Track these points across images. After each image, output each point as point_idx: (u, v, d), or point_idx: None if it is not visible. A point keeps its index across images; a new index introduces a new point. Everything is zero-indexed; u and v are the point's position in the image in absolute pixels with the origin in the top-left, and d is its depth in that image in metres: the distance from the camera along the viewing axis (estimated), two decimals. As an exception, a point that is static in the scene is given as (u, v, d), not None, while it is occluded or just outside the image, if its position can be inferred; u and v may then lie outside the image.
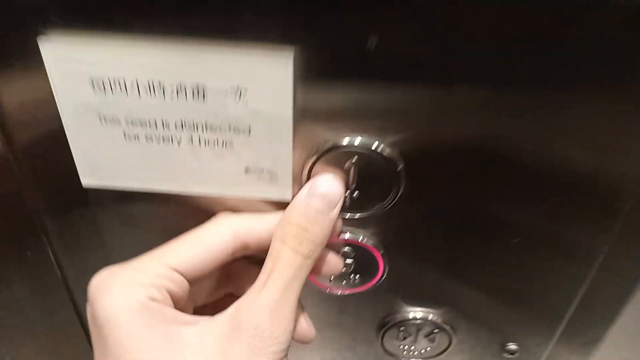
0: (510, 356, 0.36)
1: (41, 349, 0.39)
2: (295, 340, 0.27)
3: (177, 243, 0.25)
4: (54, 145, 0.27)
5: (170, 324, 0.23)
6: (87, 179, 0.28)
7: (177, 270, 0.24)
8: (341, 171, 0.26)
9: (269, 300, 0.23)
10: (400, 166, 0.26)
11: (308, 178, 0.26)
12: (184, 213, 0.29)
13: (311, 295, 0.34)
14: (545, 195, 0.27)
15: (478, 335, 0.36)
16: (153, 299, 0.23)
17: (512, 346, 0.36)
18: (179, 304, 0.24)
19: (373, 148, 0.25)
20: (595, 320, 0.34)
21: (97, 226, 0.31)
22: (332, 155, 0.25)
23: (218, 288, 0.29)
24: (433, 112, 0.24)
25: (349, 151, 0.25)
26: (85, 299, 0.24)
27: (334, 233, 0.28)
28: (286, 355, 0.24)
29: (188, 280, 0.25)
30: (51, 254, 0.32)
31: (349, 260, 0.31)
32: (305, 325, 0.28)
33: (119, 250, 0.32)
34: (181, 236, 0.26)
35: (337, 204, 0.26)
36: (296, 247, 0.24)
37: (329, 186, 0.25)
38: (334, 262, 0.29)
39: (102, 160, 0.27)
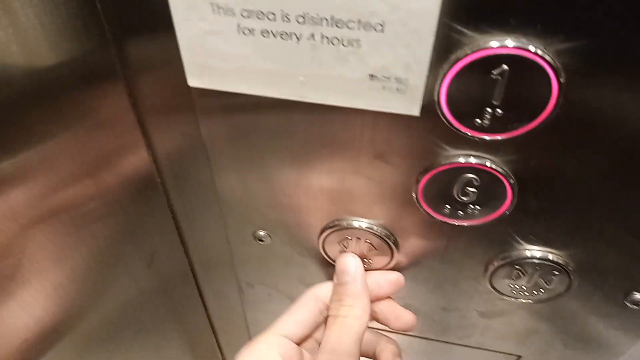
0: (634, 307, 0.32)
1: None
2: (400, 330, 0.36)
3: (282, 316, 0.34)
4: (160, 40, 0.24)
5: None
6: (195, 79, 0.25)
7: (284, 335, 0.33)
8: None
9: (324, 357, 0.31)
10: (562, 79, 0.21)
11: (442, 89, 0.23)
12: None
13: (418, 225, 0.31)
14: None
15: (601, 281, 0.32)
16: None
17: (639, 296, 0.32)
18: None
19: (531, 51, 0.20)
20: None
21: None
22: (477, 63, 0.21)
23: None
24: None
25: (498, 56, 0.21)
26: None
27: (386, 289, 0.35)
28: None
29: (296, 343, 0.33)
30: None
31: (470, 189, 0.28)
32: (397, 315, 0.36)
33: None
34: (287, 309, 0.35)
35: (357, 273, 0.34)
36: (335, 314, 0.33)
37: (344, 263, 0.34)
38: (402, 314, 0.36)
39: (211, 57, 0.24)
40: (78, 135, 0.28)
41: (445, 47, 0.22)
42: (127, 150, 0.31)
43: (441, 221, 0.30)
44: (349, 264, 0.34)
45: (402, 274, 0.35)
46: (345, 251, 0.35)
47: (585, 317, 0.35)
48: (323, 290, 0.35)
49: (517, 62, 0.21)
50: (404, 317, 0.36)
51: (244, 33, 0.23)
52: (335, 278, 0.34)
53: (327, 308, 0.34)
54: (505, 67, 0.21)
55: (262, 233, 0.35)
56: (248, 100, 0.26)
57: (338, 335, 0.32)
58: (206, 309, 0.47)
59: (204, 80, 0.25)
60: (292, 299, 0.42)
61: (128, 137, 0.30)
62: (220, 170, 0.31)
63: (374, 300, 0.35)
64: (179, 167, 0.33)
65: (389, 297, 0.36)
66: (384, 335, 0.38)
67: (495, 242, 0.31)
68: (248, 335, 0.49)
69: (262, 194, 0.32)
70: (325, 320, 0.34)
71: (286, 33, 0.22)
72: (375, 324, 0.37)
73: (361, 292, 0.33)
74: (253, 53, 0.23)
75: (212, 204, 0.34)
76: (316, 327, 0.35)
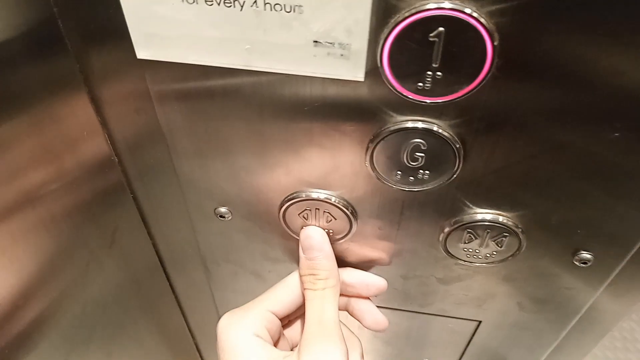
0: (582, 265, 0.34)
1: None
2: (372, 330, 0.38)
3: (271, 291, 0.36)
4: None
5: (269, 355, 0.32)
6: (143, 51, 0.26)
7: (272, 312, 0.34)
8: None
9: (312, 331, 0.32)
10: (497, 41, 0.22)
11: (384, 54, 0.23)
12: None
13: (373, 193, 0.32)
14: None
15: (550, 241, 0.33)
16: (257, 335, 0.33)
17: (586, 255, 0.33)
18: (274, 338, 0.35)
19: (466, 12, 0.21)
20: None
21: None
22: (416, 24, 0.22)
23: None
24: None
25: (435, 17, 0.22)
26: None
27: (370, 291, 0.37)
28: None
29: (280, 319, 0.35)
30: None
31: (419, 154, 0.29)
32: (375, 319, 0.38)
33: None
34: (275, 285, 0.36)
35: (324, 245, 0.35)
36: (312, 287, 0.34)
37: (310, 237, 0.35)
38: (378, 317, 0.38)
39: (157, 28, 0.24)
40: (31, 114, 0.28)
41: (384, 10, 0.22)
42: (82, 128, 0.31)
43: (394, 188, 0.31)
44: (315, 237, 0.35)
45: (360, 243, 0.36)
46: (306, 224, 0.35)
47: (538, 279, 0.36)
48: None
49: (452, 24, 0.22)
50: (380, 320, 0.38)
51: (188, 2, 0.23)
52: (301, 252, 0.35)
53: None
54: (441, 29, 0.22)
55: (223, 209, 0.36)
56: (199, 72, 0.27)
57: (321, 307, 0.33)
58: (173, 289, 0.47)
59: (151, 52, 0.25)
60: (257, 275, 0.42)
61: (82, 115, 0.30)
62: (176, 147, 0.32)
63: (354, 296, 0.38)
64: (135, 144, 0.33)
65: (368, 298, 0.38)
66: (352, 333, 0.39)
67: (447, 207, 0.32)
68: (217, 315, 0.50)
69: (220, 169, 0.32)
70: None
71: (230, 1, 0.23)
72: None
73: (332, 263, 0.35)
74: (198, 21, 0.23)
75: (171, 181, 0.34)
76: (297, 310, 0.36)
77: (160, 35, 0.24)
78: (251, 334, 0.32)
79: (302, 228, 0.35)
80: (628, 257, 0.33)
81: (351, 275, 0.37)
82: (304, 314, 0.37)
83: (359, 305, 0.38)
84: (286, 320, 0.37)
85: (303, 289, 0.35)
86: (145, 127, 0.31)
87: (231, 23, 0.23)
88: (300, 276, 0.35)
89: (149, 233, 0.41)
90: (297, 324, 0.39)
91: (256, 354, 0.32)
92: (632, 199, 0.29)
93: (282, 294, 0.35)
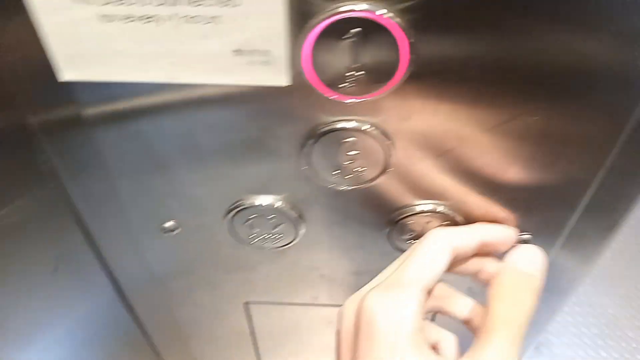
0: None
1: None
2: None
3: (419, 264, 0.28)
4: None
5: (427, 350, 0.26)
6: (66, 73, 0.26)
7: (428, 292, 0.28)
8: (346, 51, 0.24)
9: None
10: (412, 38, 0.23)
11: (303, 57, 0.24)
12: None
13: (316, 194, 0.33)
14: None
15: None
16: (421, 331, 0.26)
17: (525, 236, 0.35)
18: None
19: (378, 13, 0.22)
20: (610, 210, 0.33)
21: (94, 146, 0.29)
22: (332, 27, 0.23)
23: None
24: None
25: (351, 19, 0.22)
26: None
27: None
28: None
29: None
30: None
31: (353, 152, 0.29)
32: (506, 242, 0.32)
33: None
34: (414, 255, 0.29)
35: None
36: (514, 307, 0.28)
37: (538, 254, 0.31)
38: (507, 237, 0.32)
39: (77, 48, 0.24)
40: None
41: (299, 16, 0.23)
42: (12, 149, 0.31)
43: (335, 187, 0.32)
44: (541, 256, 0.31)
45: (308, 242, 0.37)
46: (251, 233, 0.35)
47: (483, 262, 0.38)
48: (460, 240, 0.30)
49: (367, 24, 0.23)
50: (509, 235, 0.32)
51: (106, 20, 0.23)
52: (515, 262, 0.31)
53: (456, 260, 0.30)
54: (356, 30, 0.23)
55: (170, 224, 0.36)
56: (127, 90, 0.27)
57: (514, 340, 0.27)
58: (132, 310, 0.46)
59: (75, 73, 0.25)
60: (213, 286, 0.42)
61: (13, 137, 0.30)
62: (114, 166, 0.32)
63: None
64: (74, 166, 0.33)
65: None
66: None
67: (387, 201, 0.33)
68: (180, 331, 0.49)
69: (160, 184, 0.33)
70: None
71: (147, 16, 0.23)
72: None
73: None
74: (118, 39, 0.24)
75: (114, 200, 0.34)
76: None
77: (83, 56, 0.24)
78: (415, 330, 0.26)
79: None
80: (564, 235, 0.35)
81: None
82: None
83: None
84: None
85: (498, 302, 0.28)
86: (82, 149, 0.31)
87: (151, 38, 0.24)
88: (504, 285, 0.29)
89: (100, 256, 0.40)
90: None
91: (419, 346, 0.26)
92: (555, 181, 0.30)
93: (434, 270, 0.28)
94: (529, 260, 0.31)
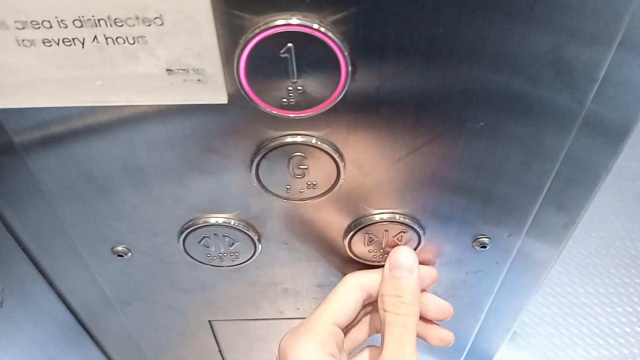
0: (482, 249, 0.35)
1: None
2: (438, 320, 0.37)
3: (329, 304, 0.33)
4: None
5: None
6: (-10, 101, 0.24)
7: (336, 324, 0.32)
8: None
9: (391, 356, 0.30)
10: (347, 50, 0.22)
11: (240, 74, 0.23)
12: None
13: (270, 210, 0.32)
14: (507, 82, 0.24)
15: (447, 232, 0.34)
16: (330, 354, 0.31)
17: (484, 239, 0.35)
18: (341, 350, 0.33)
19: (312, 27, 0.21)
20: (566, 206, 0.33)
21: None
22: (266, 42, 0.22)
23: (354, 332, 0.37)
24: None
25: (285, 33, 0.22)
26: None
27: (425, 284, 0.36)
28: None
29: (342, 330, 0.33)
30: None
31: (302, 167, 0.29)
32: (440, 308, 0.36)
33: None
34: (327, 298, 0.34)
35: (414, 267, 0.33)
36: (395, 311, 0.32)
37: (403, 257, 0.33)
38: (443, 305, 0.36)
39: (0, 76, 0.23)
40: None
41: (231, 31, 0.22)
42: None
43: (288, 201, 0.31)
44: (408, 257, 0.33)
45: (267, 258, 0.36)
46: (208, 252, 0.34)
47: (445, 267, 0.37)
48: (367, 279, 0.34)
49: (300, 39, 0.22)
50: (446, 308, 0.36)
51: (24, 45, 0.22)
52: (388, 270, 0.33)
53: (370, 296, 0.34)
54: (290, 45, 0.22)
55: (120, 248, 0.34)
56: (57, 115, 0.25)
57: (402, 335, 0.31)
58: (93, 338, 0.45)
59: (1, 99, 0.24)
60: (172, 308, 0.41)
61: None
62: (53, 193, 0.30)
63: None
64: (13, 198, 0.31)
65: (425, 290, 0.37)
66: None
67: (344, 211, 0.32)
68: (145, 355, 0.48)
69: (104, 209, 0.31)
70: (365, 311, 0.36)
71: (68, 39, 0.21)
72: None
73: (418, 290, 0.33)
74: (40, 64, 0.22)
75: (57, 228, 0.33)
76: (356, 317, 0.35)
77: (5, 83, 0.23)
78: (323, 352, 0.30)
79: (396, 247, 0.34)
80: (522, 236, 0.35)
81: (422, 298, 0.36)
82: (365, 329, 0.37)
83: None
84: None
85: (383, 310, 0.32)
86: (18, 178, 0.30)
87: (76, 61, 0.22)
88: (382, 295, 0.33)
89: (52, 284, 0.38)
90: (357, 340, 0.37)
91: None
92: (507, 183, 0.30)
93: (340, 305, 0.33)
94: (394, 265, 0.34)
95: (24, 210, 0.32)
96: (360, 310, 0.35)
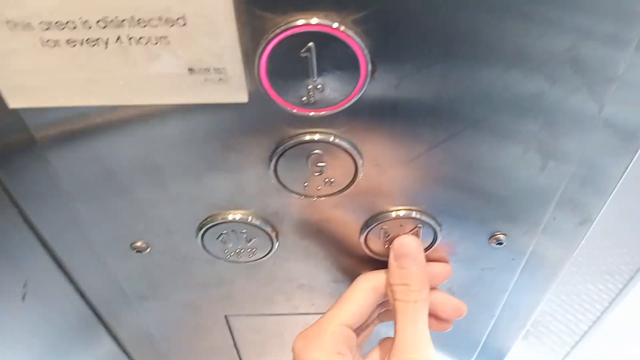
0: (498, 246, 0.35)
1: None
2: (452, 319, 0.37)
3: (341, 305, 0.34)
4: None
5: None
6: (15, 101, 0.24)
7: (347, 326, 0.32)
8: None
9: (404, 345, 0.31)
10: (367, 49, 0.22)
11: (261, 73, 0.23)
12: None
13: (287, 206, 0.32)
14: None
15: (464, 228, 0.34)
16: (340, 354, 0.31)
17: (500, 236, 0.35)
18: (353, 351, 0.33)
19: (332, 26, 0.22)
20: (583, 204, 0.32)
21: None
22: (286, 42, 0.22)
23: (367, 331, 0.38)
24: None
25: (306, 33, 0.22)
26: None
27: (438, 280, 0.36)
28: None
29: (355, 331, 0.33)
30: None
31: (321, 164, 0.29)
32: (452, 306, 0.37)
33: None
34: (340, 299, 0.34)
35: (419, 255, 0.33)
36: (405, 299, 0.32)
37: (406, 245, 0.33)
38: (456, 304, 0.37)
39: (22, 76, 0.23)
40: None
41: (252, 32, 0.22)
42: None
43: (306, 198, 0.31)
44: (411, 246, 0.33)
45: (283, 254, 0.36)
46: (226, 248, 0.35)
47: (460, 264, 0.37)
48: (381, 280, 0.35)
49: (321, 38, 0.22)
50: (459, 306, 0.36)
51: (48, 46, 0.22)
52: (393, 260, 0.34)
53: (383, 296, 0.34)
54: (311, 44, 0.22)
55: (139, 244, 0.35)
56: (78, 114, 0.26)
57: (413, 321, 0.32)
58: (111, 332, 0.45)
59: (24, 100, 0.24)
60: (188, 304, 0.42)
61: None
62: (74, 191, 0.31)
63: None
64: (35, 195, 0.31)
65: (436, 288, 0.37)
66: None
67: (360, 208, 0.32)
68: (159, 351, 0.48)
69: (123, 207, 0.32)
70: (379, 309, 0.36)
71: (92, 39, 0.22)
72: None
73: (425, 275, 0.33)
74: (64, 64, 0.23)
75: (78, 225, 0.33)
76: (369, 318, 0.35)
77: (28, 84, 0.23)
78: (334, 352, 0.31)
79: (399, 237, 0.34)
80: (538, 233, 0.35)
81: (434, 296, 0.36)
82: (372, 322, 0.38)
83: (432, 298, 0.36)
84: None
85: (393, 299, 0.33)
86: (39, 175, 0.30)
87: (99, 62, 0.23)
88: (391, 285, 0.33)
89: (71, 279, 0.39)
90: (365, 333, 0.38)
91: None
92: (524, 180, 0.30)
93: (353, 306, 0.34)
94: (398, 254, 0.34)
95: (44, 207, 0.32)
96: (375, 310, 0.36)
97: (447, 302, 0.36)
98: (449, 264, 0.37)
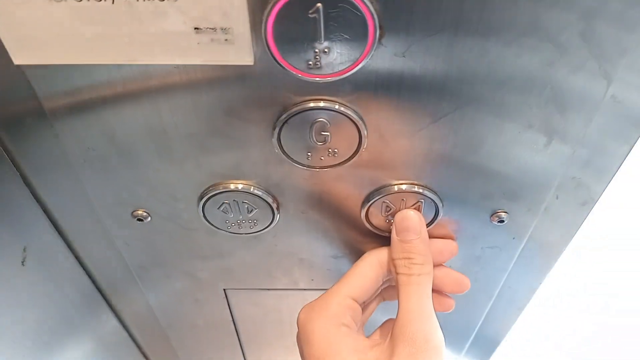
0: (499, 224, 0.35)
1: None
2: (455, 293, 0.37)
3: (347, 278, 0.34)
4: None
5: (357, 343, 0.31)
6: (19, 57, 0.24)
7: (353, 299, 0.33)
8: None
9: (407, 316, 0.31)
10: (376, 13, 0.22)
11: (268, 34, 0.23)
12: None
13: (289, 177, 0.32)
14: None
15: (466, 205, 0.34)
16: (345, 325, 0.32)
17: (502, 214, 0.35)
18: (358, 324, 0.33)
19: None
20: (586, 184, 0.32)
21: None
22: (294, 2, 0.22)
23: (372, 306, 0.38)
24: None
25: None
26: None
27: (444, 257, 0.36)
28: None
29: (360, 305, 0.34)
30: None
31: (325, 133, 0.29)
32: (455, 280, 0.36)
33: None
34: (347, 273, 0.35)
35: (422, 229, 0.33)
36: (408, 272, 0.32)
37: (408, 218, 0.33)
38: (458, 278, 0.36)
39: (28, 30, 0.23)
40: None
41: (260, -11, 0.22)
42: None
43: (308, 169, 0.31)
44: (413, 219, 0.33)
45: (284, 227, 0.36)
46: (227, 218, 0.35)
47: (459, 242, 0.37)
48: (386, 255, 0.35)
49: (329, -2, 0.22)
50: (462, 280, 0.36)
51: (56, 0, 0.22)
52: (395, 234, 0.34)
53: (390, 272, 0.35)
54: (319, 5, 0.22)
55: (140, 212, 0.35)
56: (83, 73, 0.26)
57: (417, 294, 0.32)
58: (107, 301, 0.46)
59: (28, 57, 0.24)
60: (190, 275, 0.42)
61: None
62: (77, 154, 0.30)
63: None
64: (36, 158, 0.31)
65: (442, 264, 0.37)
66: None
67: (362, 181, 0.32)
68: (157, 322, 0.48)
69: (127, 172, 0.31)
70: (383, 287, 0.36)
71: (99, -6, 0.22)
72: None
73: (428, 248, 0.34)
74: (70, 19, 0.22)
75: (79, 190, 0.33)
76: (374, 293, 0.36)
77: (34, 39, 0.23)
78: (338, 323, 0.31)
79: (401, 211, 0.34)
80: (540, 212, 0.35)
81: (437, 271, 0.36)
82: (376, 299, 0.38)
83: (436, 273, 0.35)
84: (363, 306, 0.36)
85: (395, 273, 0.33)
86: (44, 142, 0.30)
87: (105, 17, 0.22)
88: (393, 260, 0.33)
89: (71, 247, 0.39)
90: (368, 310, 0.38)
91: (346, 345, 0.31)
92: (528, 157, 0.30)
93: (359, 280, 0.34)
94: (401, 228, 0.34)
95: (46, 173, 0.32)
96: (380, 286, 0.36)
97: (450, 276, 0.36)
98: (454, 241, 0.37)
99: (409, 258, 0.32)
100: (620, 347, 0.70)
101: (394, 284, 0.36)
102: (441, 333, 0.31)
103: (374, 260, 0.35)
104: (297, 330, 0.34)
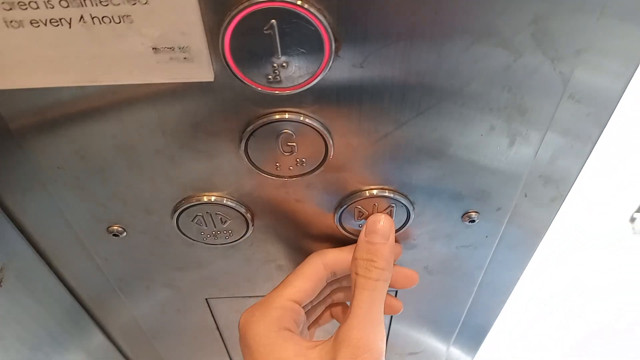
0: (471, 223, 0.36)
1: None
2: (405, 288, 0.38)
3: (289, 281, 0.34)
4: None
5: (298, 347, 0.31)
6: (-18, 82, 0.25)
7: (295, 301, 0.33)
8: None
9: (357, 321, 0.30)
10: (330, 26, 0.23)
11: (226, 51, 0.23)
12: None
13: (261, 187, 0.32)
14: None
15: (436, 207, 0.35)
16: (286, 329, 0.32)
17: (472, 214, 0.35)
18: (300, 327, 0.34)
19: (296, 4, 0.22)
20: (554, 180, 0.33)
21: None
22: (249, 18, 0.22)
23: (318, 309, 0.39)
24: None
25: (268, 9, 0.22)
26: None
27: (397, 254, 0.37)
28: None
29: (302, 307, 0.34)
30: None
31: (291, 144, 0.29)
32: (405, 275, 0.37)
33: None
34: (289, 275, 0.35)
35: (390, 235, 0.34)
36: (367, 275, 0.32)
37: (380, 222, 0.34)
38: (407, 273, 0.38)
39: (-11, 57, 0.23)
40: None
41: (214, 9, 0.22)
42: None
43: (279, 179, 0.31)
44: (384, 224, 0.34)
45: (260, 235, 0.37)
46: (202, 230, 0.35)
47: (435, 242, 0.38)
48: (332, 257, 0.35)
49: (283, 15, 0.22)
50: (412, 276, 0.37)
51: (12, 26, 0.22)
52: (364, 235, 0.34)
53: (333, 274, 0.35)
54: (273, 21, 0.22)
55: (115, 227, 0.35)
56: (49, 95, 0.26)
57: (370, 298, 0.31)
58: (92, 317, 0.46)
59: (-9, 81, 0.24)
60: (170, 286, 0.42)
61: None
62: (48, 174, 0.31)
63: None
64: (9, 180, 0.31)
65: None
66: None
67: (333, 187, 0.33)
68: (144, 332, 0.49)
69: (99, 188, 0.32)
70: (331, 289, 0.36)
71: (55, 20, 0.22)
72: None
73: (392, 257, 0.34)
74: (29, 45, 0.23)
75: (53, 209, 0.33)
76: (314, 297, 0.35)
77: (-4, 64, 0.23)
78: (279, 327, 0.31)
79: (373, 214, 0.34)
80: (511, 210, 0.35)
81: None
82: (323, 303, 0.38)
83: None
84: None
85: (354, 274, 0.33)
86: (14, 161, 0.30)
87: (64, 41, 0.23)
88: (355, 259, 0.33)
89: (51, 266, 0.39)
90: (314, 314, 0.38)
91: (286, 349, 0.30)
92: (494, 156, 0.31)
93: (301, 282, 0.34)
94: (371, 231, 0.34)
95: (20, 193, 0.32)
96: (326, 288, 0.36)
97: (399, 272, 0.37)
98: (400, 244, 0.38)
99: (372, 260, 0.32)
100: (619, 347, 0.71)
101: (343, 285, 0.39)
102: (384, 344, 0.31)
103: (318, 262, 0.35)
104: (239, 334, 0.34)
